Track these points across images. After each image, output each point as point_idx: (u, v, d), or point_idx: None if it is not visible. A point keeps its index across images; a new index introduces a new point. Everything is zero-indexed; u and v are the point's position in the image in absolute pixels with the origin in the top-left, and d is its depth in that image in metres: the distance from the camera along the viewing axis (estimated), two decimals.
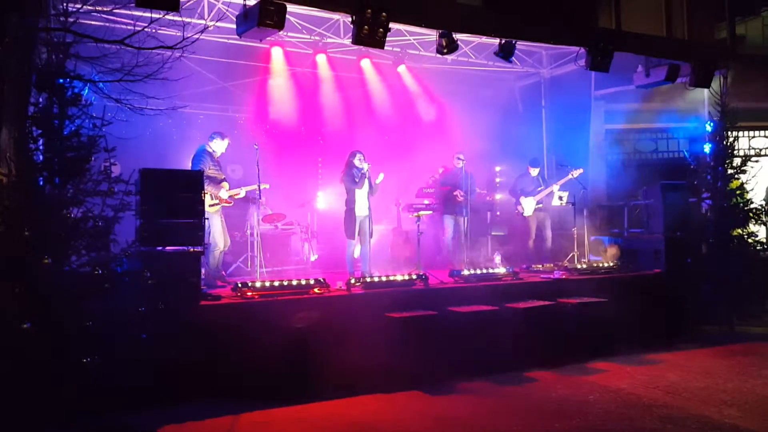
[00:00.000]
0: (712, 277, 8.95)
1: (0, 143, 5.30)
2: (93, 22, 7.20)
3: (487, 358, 6.86)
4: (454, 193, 9.74)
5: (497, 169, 13.06)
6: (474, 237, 10.80)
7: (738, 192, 9.41)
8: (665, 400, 5.81)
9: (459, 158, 9.92)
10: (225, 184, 8.06)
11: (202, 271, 7.30)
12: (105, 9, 6.77)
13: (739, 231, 9.35)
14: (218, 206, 7.97)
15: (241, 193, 8.32)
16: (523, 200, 10.06)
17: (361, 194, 8.54)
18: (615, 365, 7.07)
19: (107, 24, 7.35)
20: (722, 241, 9.25)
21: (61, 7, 5.80)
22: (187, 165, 8.30)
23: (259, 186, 8.09)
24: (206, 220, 7.73)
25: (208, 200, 7.74)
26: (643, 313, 8.22)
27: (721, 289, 8.87)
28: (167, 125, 11.33)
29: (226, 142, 8.16)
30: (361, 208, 8.54)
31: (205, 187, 7.61)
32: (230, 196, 8.07)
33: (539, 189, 10.04)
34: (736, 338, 8.49)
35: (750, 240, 9.39)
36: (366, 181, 8.50)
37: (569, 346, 7.31)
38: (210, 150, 8.04)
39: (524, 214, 10.10)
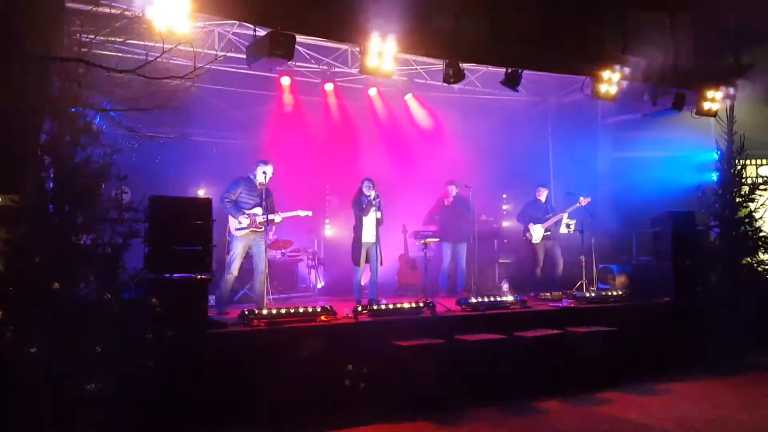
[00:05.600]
0: (722, 306, 8.85)
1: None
2: (106, 52, 7.33)
3: (496, 387, 6.79)
4: (445, 203, 9.82)
5: (504, 196, 13.08)
6: (481, 264, 10.80)
7: (747, 220, 9.35)
8: (676, 431, 5.72)
9: (451, 188, 10.07)
10: (257, 210, 7.99)
11: (211, 298, 7.33)
12: (118, 39, 6.89)
13: (749, 259, 9.28)
14: (245, 230, 7.94)
15: (277, 219, 8.19)
16: (532, 227, 10.06)
17: (368, 221, 8.57)
18: (625, 395, 6.98)
19: (120, 54, 7.49)
20: (732, 269, 9.17)
21: (75, 37, 5.91)
22: (195, 192, 8.35)
23: (266, 211, 8.10)
24: (230, 243, 7.95)
25: (234, 224, 7.85)
26: (653, 342, 8.14)
27: (731, 319, 8.77)
28: (177, 153, 11.43)
29: (268, 168, 8.10)
30: (368, 236, 8.56)
31: (228, 212, 7.87)
32: (257, 223, 8.01)
33: (548, 216, 10.06)
34: (747, 368, 8.37)
35: (760, 269, 9.30)
36: (373, 209, 8.52)
37: (578, 376, 7.22)
38: (250, 177, 8.09)
39: (533, 241, 10.09)
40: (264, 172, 8.07)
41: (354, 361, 6.45)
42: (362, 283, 8.83)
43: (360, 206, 8.58)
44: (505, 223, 12.56)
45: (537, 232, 10.03)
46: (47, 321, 5.01)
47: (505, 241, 12.31)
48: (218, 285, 7.93)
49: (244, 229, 7.93)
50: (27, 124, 5.52)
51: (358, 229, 8.63)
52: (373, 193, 8.53)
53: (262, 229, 8.07)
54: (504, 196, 13.05)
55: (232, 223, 7.95)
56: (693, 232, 9.09)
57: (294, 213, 8.41)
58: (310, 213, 8.54)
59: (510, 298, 8.24)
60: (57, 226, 5.34)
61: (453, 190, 10.16)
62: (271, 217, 8.10)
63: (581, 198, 9.79)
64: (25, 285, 5.08)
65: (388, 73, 7.63)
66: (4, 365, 4.82)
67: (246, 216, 7.91)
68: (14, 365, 4.84)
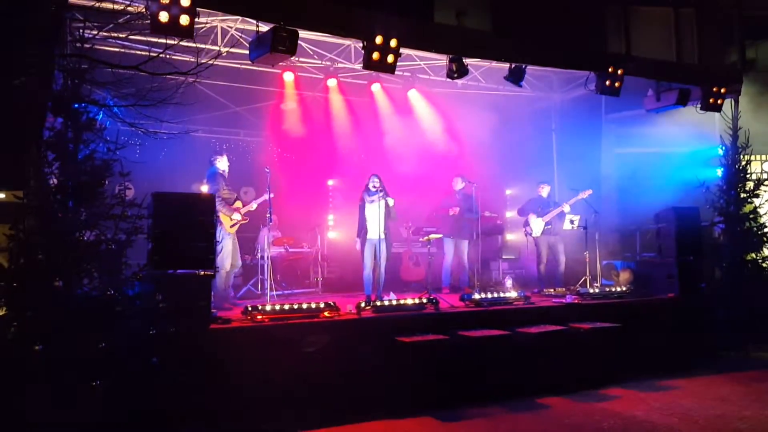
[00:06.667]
0: (727, 302, 8.84)
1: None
2: (109, 48, 7.33)
3: (499, 383, 6.79)
4: (450, 213, 9.77)
5: (508, 192, 13.05)
6: (484, 260, 10.78)
7: (751, 216, 9.33)
8: (681, 427, 5.71)
9: (457, 180, 10.00)
10: (238, 203, 8.19)
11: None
12: (121, 35, 6.89)
13: (753, 255, 9.25)
14: (236, 227, 8.10)
15: (253, 206, 8.45)
16: (532, 220, 10.03)
17: (373, 217, 8.55)
18: (629, 391, 6.97)
19: (123, 50, 7.48)
20: (736, 265, 9.15)
21: (78, 33, 5.91)
22: (200, 189, 8.37)
23: (270, 207, 8.17)
24: (221, 240, 7.91)
25: (228, 222, 7.90)
26: (657, 338, 8.12)
27: (735, 315, 8.76)
28: (180, 149, 11.42)
29: (226, 158, 8.32)
30: (373, 232, 8.55)
31: (220, 209, 7.77)
32: (244, 214, 8.23)
33: (548, 211, 10.01)
34: (751, 364, 8.36)
35: (764, 264, 9.28)
36: (375, 204, 8.52)
37: (582, 372, 7.22)
38: (220, 171, 8.16)
39: (532, 235, 10.06)
40: (225, 161, 8.26)
41: (357, 357, 6.45)
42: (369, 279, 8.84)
43: (362, 206, 8.64)
44: (508, 219, 12.53)
45: (537, 226, 9.99)
46: (51, 317, 5.02)
47: (509, 237, 12.30)
48: (213, 284, 7.89)
49: (235, 224, 8.03)
50: (30, 120, 5.51)
51: (364, 225, 8.64)
52: (373, 189, 8.56)
53: (247, 220, 8.36)
54: (508, 192, 13.02)
55: (226, 221, 7.95)
56: (697, 228, 9.05)
57: (264, 198, 8.50)
58: (272, 194, 8.51)
59: (513, 294, 8.23)
60: (61, 222, 5.34)
61: (458, 184, 10.10)
62: (248, 206, 8.33)
63: (582, 192, 9.74)
64: (29, 281, 5.08)
65: (392, 69, 7.60)
66: (8, 362, 4.83)
67: (236, 211, 8.03)
68: (18, 362, 4.85)
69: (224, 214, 7.91)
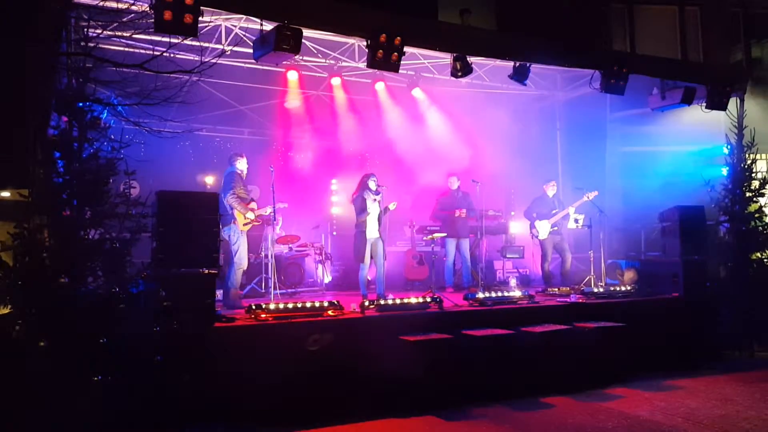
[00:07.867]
0: (732, 302, 8.81)
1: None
2: (113, 47, 7.34)
3: (503, 382, 6.78)
4: (456, 214, 9.73)
5: (512, 191, 13.03)
6: (488, 259, 10.73)
7: (757, 215, 9.30)
8: (685, 427, 5.69)
9: (453, 180, 9.97)
10: (253, 204, 8.18)
11: (219, 293, 7.33)
12: (125, 34, 6.89)
13: (758, 255, 9.22)
14: (249, 225, 8.11)
15: (267, 211, 8.44)
16: (538, 223, 9.99)
17: (374, 216, 8.54)
18: (633, 391, 6.95)
19: (127, 49, 7.49)
20: (741, 265, 9.12)
21: (83, 32, 5.92)
22: (203, 187, 8.39)
23: (274, 206, 8.21)
24: (237, 239, 7.96)
25: (242, 219, 7.94)
26: (661, 337, 8.10)
27: (740, 314, 8.73)
28: (185, 148, 11.47)
29: (245, 159, 8.34)
30: (372, 231, 8.54)
31: (236, 206, 7.81)
32: (257, 216, 8.22)
33: (554, 212, 9.98)
34: (756, 364, 8.33)
35: None
36: (377, 203, 8.51)
37: (586, 372, 7.20)
38: (238, 171, 8.17)
39: (539, 237, 10.03)
40: (245, 162, 8.29)
41: (361, 356, 6.45)
42: (369, 278, 8.81)
43: (362, 202, 8.60)
44: (512, 218, 12.50)
45: (543, 229, 9.96)
46: (55, 316, 5.03)
47: (513, 235, 12.27)
48: (228, 279, 7.93)
49: (248, 224, 8.05)
50: (35, 118, 5.52)
51: (361, 224, 8.60)
52: (375, 188, 8.54)
53: (259, 222, 8.33)
54: (512, 190, 13.00)
55: (240, 219, 7.97)
56: (702, 227, 9.02)
57: (279, 205, 8.59)
58: (285, 204, 8.63)
59: (517, 293, 8.21)
60: (65, 221, 5.36)
61: (454, 183, 10.08)
62: (263, 210, 8.32)
63: (588, 193, 9.71)
64: (34, 279, 5.10)
65: (395, 67, 7.59)
66: (13, 358, 4.85)
67: (250, 210, 8.03)
68: (23, 359, 4.86)
69: (239, 212, 7.93)
